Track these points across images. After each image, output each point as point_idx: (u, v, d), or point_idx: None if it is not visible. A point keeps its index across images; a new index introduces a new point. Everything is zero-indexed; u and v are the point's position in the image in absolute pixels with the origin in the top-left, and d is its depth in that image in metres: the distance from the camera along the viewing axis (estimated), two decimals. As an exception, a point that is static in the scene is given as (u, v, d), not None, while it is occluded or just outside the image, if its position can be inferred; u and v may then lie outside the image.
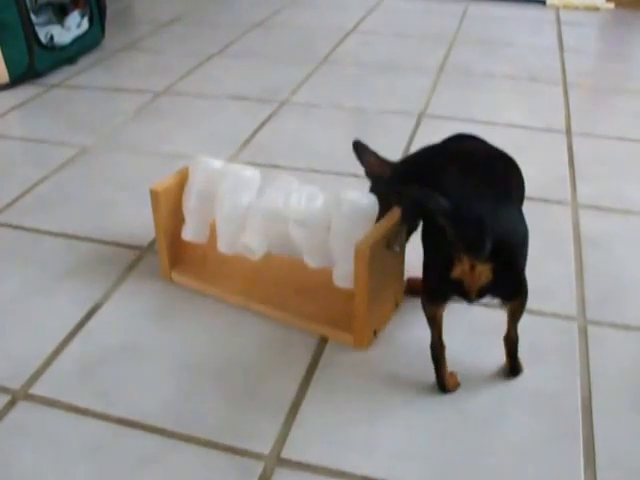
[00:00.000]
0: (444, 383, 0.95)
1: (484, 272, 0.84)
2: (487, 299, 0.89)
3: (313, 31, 2.53)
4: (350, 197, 1.00)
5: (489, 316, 1.08)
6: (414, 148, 1.61)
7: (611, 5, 2.85)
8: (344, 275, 1.01)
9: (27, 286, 1.16)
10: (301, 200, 1.02)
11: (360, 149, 1.09)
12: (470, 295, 0.87)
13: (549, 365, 0.99)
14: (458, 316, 1.09)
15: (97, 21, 2.29)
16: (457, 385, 0.96)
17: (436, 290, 0.91)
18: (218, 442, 0.87)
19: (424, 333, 1.05)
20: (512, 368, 0.98)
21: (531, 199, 1.42)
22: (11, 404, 0.93)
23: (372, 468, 0.84)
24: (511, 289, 0.90)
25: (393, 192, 1.01)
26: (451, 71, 2.13)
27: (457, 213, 0.80)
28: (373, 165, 1.10)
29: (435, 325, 0.94)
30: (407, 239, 1.08)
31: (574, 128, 1.74)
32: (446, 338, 1.01)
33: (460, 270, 0.85)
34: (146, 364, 1.00)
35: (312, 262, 1.06)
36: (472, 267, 0.84)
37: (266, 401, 0.93)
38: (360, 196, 1.00)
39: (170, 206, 1.12)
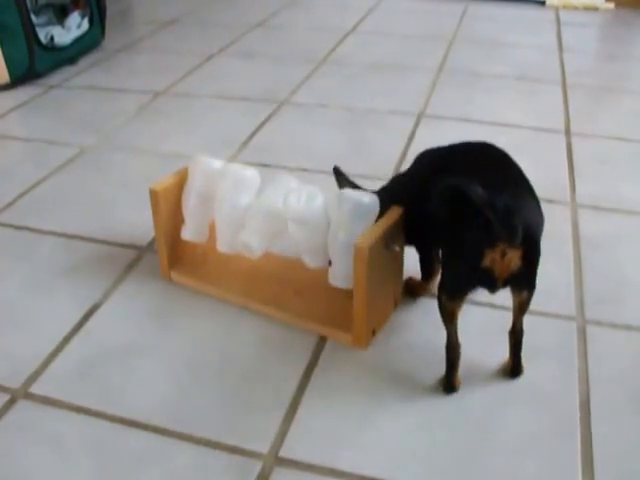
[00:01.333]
0: (453, 384, 0.95)
1: (513, 259, 0.86)
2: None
3: (313, 31, 2.53)
4: (351, 196, 1.00)
5: (487, 317, 1.09)
6: (413, 148, 1.61)
7: (610, 5, 2.85)
8: (342, 275, 1.01)
9: (27, 285, 1.17)
10: (301, 199, 1.02)
11: (339, 177, 1.14)
12: (497, 283, 0.88)
13: (547, 365, 1.00)
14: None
15: (97, 22, 2.29)
16: (460, 384, 0.96)
17: (461, 283, 0.92)
18: (217, 441, 0.88)
19: (423, 332, 1.06)
20: (514, 367, 0.98)
21: (530, 199, 1.42)
22: (11, 403, 0.93)
23: (371, 467, 0.84)
24: (531, 277, 0.92)
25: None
26: (450, 71, 2.14)
27: (493, 201, 0.83)
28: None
29: (453, 323, 0.94)
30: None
31: (573, 128, 1.74)
32: (445, 338, 1.01)
33: (491, 258, 0.86)
34: (145, 363, 1.00)
35: (311, 262, 1.06)
36: (503, 255, 0.86)
37: (265, 400, 0.94)
38: (361, 195, 1.00)
39: (170, 206, 1.12)
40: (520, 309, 0.95)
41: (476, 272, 0.88)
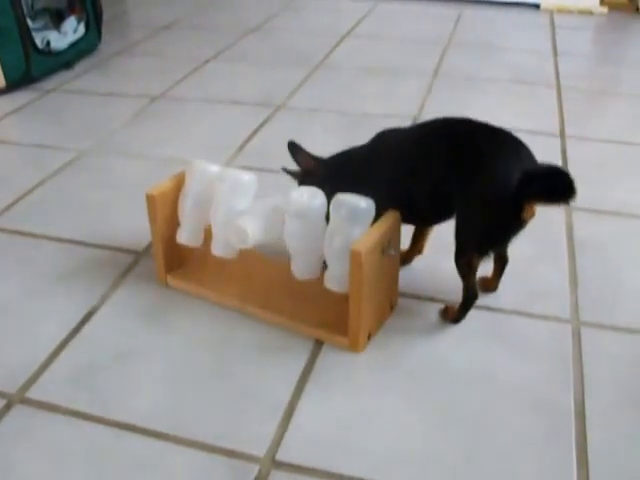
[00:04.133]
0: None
1: (535, 211, 1.00)
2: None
3: (309, 36, 2.54)
4: (347, 200, 1.00)
5: (486, 318, 1.09)
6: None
7: (605, 9, 2.86)
8: (338, 278, 1.02)
9: (23, 290, 1.17)
10: (303, 195, 1.02)
11: (294, 149, 1.19)
12: (517, 234, 1.02)
13: (542, 367, 1.00)
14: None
15: (93, 26, 2.29)
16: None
17: (495, 240, 1.04)
18: (213, 445, 0.88)
19: (419, 336, 1.06)
20: (497, 282, 1.15)
21: (525, 202, 1.42)
22: (7, 408, 0.93)
23: (367, 470, 0.84)
24: None
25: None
26: (445, 75, 2.14)
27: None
28: (308, 163, 1.18)
29: (475, 275, 1.05)
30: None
31: (568, 131, 1.75)
32: (441, 340, 1.02)
33: (530, 212, 0.98)
34: (142, 368, 1.00)
35: (299, 270, 1.06)
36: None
37: (261, 404, 0.94)
38: (357, 199, 1.00)
39: (166, 210, 1.12)
40: (504, 257, 1.13)
41: (514, 225, 1.00)
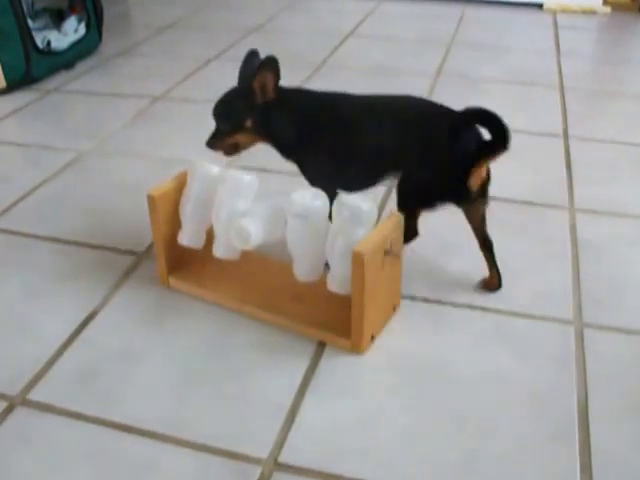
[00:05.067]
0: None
1: (484, 172, 1.06)
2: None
3: (310, 36, 2.54)
4: (350, 201, 1.00)
5: (489, 320, 1.09)
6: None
7: (608, 9, 2.86)
8: (341, 280, 1.01)
9: (25, 292, 1.16)
10: (305, 196, 1.02)
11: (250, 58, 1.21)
12: (473, 195, 1.07)
13: (545, 368, 1.00)
14: (455, 321, 1.09)
15: (94, 26, 2.29)
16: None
17: (443, 197, 1.08)
18: (216, 447, 0.87)
19: (422, 338, 1.06)
20: (498, 278, 1.15)
21: (528, 203, 1.42)
22: (9, 410, 0.93)
23: (370, 472, 0.84)
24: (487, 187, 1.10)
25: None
26: (448, 75, 2.14)
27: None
28: (262, 83, 1.14)
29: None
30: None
31: (571, 132, 1.74)
32: (444, 342, 1.02)
33: (479, 178, 1.05)
34: (144, 369, 1.00)
35: (301, 272, 1.05)
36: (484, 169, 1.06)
37: (264, 405, 0.93)
38: (360, 200, 1.00)
39: (168, 211, 1.12)
40: (483, 219, 1.12)
41: (461, 185, 1.05)
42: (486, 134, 1.03)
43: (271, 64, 1.14)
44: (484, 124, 1.03)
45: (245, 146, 1.19)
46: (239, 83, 1.19)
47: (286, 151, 1.17)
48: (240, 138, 1.17)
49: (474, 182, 1.05)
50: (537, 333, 1.06)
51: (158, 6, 2.92)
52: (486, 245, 1.14)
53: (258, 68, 1.14)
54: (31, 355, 1.02)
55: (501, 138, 1.01)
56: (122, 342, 1.05)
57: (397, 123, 1.10)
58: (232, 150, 1.19)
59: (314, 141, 1.14)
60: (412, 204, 1.11)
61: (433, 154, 1.06)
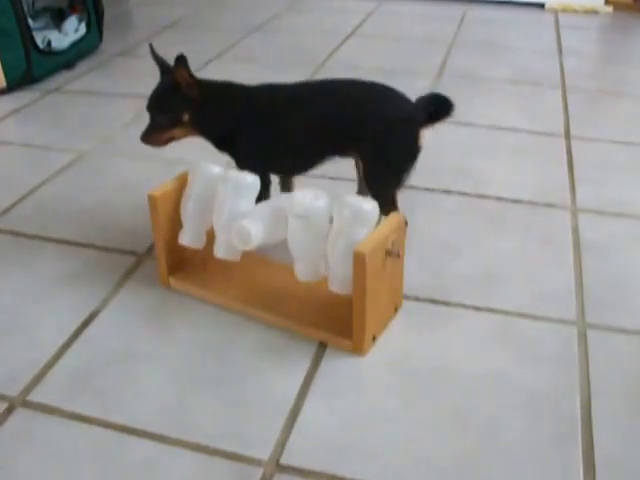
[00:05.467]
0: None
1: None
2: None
3: (312, 35, 2.53)
4: (351, 202, 0.99)
5: (491, 321, 1.08)
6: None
7: (610, 9, 2.85)
8: (342, 280, 1.01)
9: (25, 292, 1.16)
10: (306, 196, 1.02)
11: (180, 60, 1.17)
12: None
13: (548, 369, 0.99)
14: (457, 321, 1.09)
15: (95, 26, 2.29)
16: None
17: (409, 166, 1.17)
18: (217, 448, 0.87)
19: (423, 338, 1.05)
20: None
21: (530, 203, 1.42)
22: (9, 411, 0.93)
23: (372, 474, 0.84)
24: None
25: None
26: (450, 75, 2.13)
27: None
28: (183, 76, 1.17)
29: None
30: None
31: (573, 132, 1.74)
32: (446, 343, 1.01)
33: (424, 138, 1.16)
34: (145, 370, 1.00)
35: (302, 272, 1.05)
36: None
37: (265, 407, 0.93)
38: (361, 201, 1.00)
39: (169, 212, 1.11)
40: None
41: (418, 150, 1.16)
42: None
43: (181, 61, 1.16)
44: (435, 103, 1.18)
45: (179, 139, 1.22)
46: (161, 77, 1.22)
47: (222, 143, 1.21)
48: (176, 132, 1.20)
49: (422, 140, 1.16)
50: (540, 334, 1.06)
51: (159, 6, 2.92)
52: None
53: (174, 66, 1.17)
54: (31, 355, 1.02)
55: (448, 109, 1.16)
56: (123, 343, 1.05)
57: (349, 105, 1.16)
58: (166, 143, 1.22)
59: (252, 130, 1.17)
60: (389, 186, 1.18)
61: (398, 132, 1.15)
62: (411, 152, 1.16)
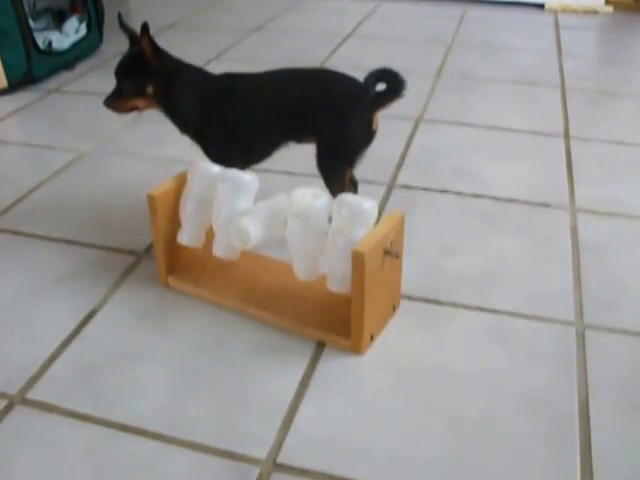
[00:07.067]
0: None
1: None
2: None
3: (311, 36, 2.53)
4: (350, 201, 0.99)
5: (489, 321, 1.09)
6: (412, 152, 1.62)
7: (610, 9, 2.86)
8: (340, 280, 1.01)
9: (24, 291, 1.16)
10: (305, 195, 1.02)
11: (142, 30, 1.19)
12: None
13: (546, 369, 0.99)
14: (455, 321, 1.09)
15: (95, 26, 2.29)
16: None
17: (362, 149, 1.19)
18: (214, 447, 0.87)
19: (421, 338, 1.05)
20: None
21: (529, 203, 1.42)
22: (8, 409, 0.93)
23: (369, 473, 0.84)
24: None
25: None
26: (449, 75, 2.14)
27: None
28: (148, 48, 1.19)
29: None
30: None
31: (572, 132, 1.74)
32: (444, 343, 1.01)
33: (377, 122, 1.19)
34: (143, 369, 1.00)
35: (301, 271, 1.05)
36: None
37: (262, 406, 0.93)
38: (360, 200, 1.00)
39: (168, 211, 1.11)
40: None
41: (369, 136, 1.19)
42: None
43: (145, 29, 1.18)
44: (385, 79, 1.18)
45: (142, 110, 1.24)
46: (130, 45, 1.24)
47: (183, 124, 1.24)
48: (139, 102, 1.22)
49: (376, 125, 1.18)
50: (538, 334, 1.06)
51: (159, 6, 2.92)
52: (353, 183, 1.30)
53: (139, 34, 1.19)
54: (30, 354, 1.02)
55: (398, 88, 1.16)
56: (121, 341, 1.05)
57: (304, 89, 1.20)
58: (128, 111, 1.24)
59: (217, 114, 1.20)
60: (339, 168, 1.20)
61: (348, 113, 1.17)
62: (362, 134, 1.18)
